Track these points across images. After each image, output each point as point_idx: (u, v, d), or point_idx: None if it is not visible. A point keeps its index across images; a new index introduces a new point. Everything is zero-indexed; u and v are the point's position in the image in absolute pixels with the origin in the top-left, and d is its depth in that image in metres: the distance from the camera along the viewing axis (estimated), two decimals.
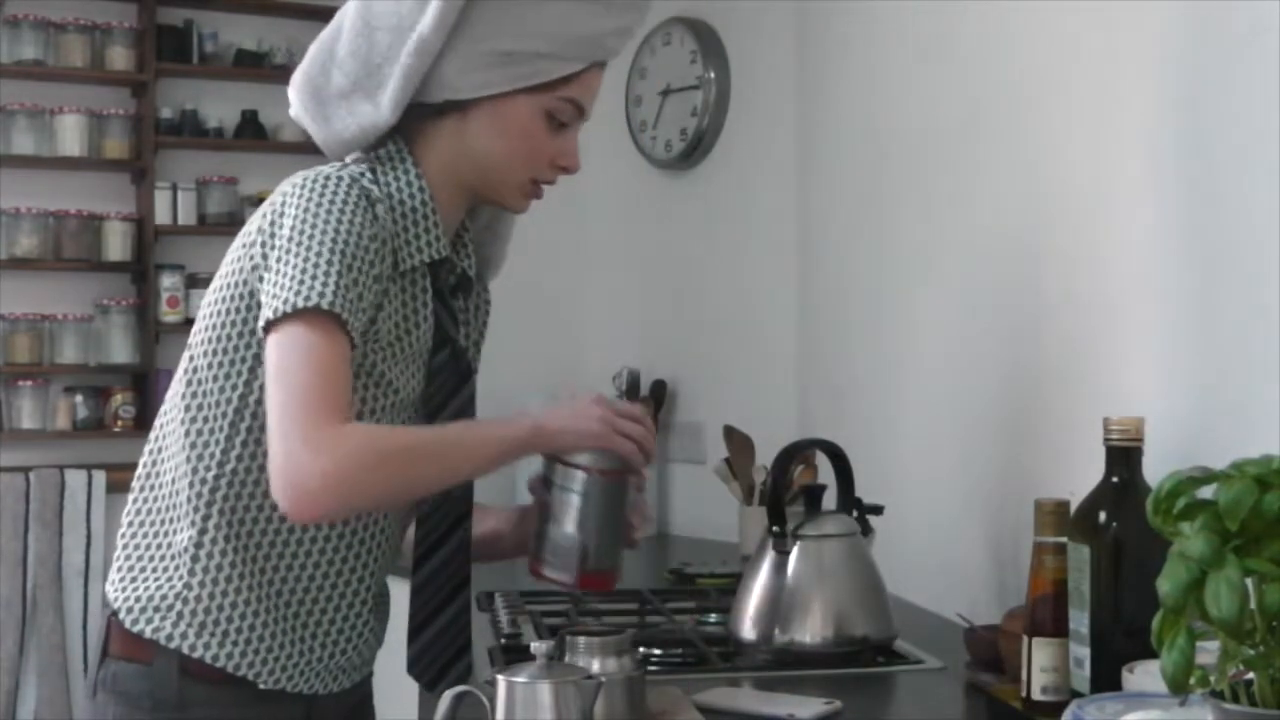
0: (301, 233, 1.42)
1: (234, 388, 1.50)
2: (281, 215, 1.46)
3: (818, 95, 3.06)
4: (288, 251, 1.42)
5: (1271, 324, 1.50)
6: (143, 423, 4.11)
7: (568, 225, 3.74)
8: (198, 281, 4.21)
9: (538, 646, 1.35)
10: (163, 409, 1.59)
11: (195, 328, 1.55)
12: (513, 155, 1.54)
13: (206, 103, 4.32)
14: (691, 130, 3.48)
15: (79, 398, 4.17)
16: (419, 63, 1.50)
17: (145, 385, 4.16)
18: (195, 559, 1.51)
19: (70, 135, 4.15)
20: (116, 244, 4.18)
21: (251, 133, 4.31)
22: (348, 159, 1.58)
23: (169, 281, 4.19)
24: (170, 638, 1.50)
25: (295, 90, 1.61)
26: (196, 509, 1.51)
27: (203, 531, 1.51)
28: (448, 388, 1.57)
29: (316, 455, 1.36)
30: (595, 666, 1.42)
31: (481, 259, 1.69)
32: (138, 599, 1.52)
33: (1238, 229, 1.60)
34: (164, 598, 1.51)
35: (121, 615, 1.53)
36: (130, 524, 1.58)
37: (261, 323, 1.42)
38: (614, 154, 3.68)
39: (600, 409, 1.52)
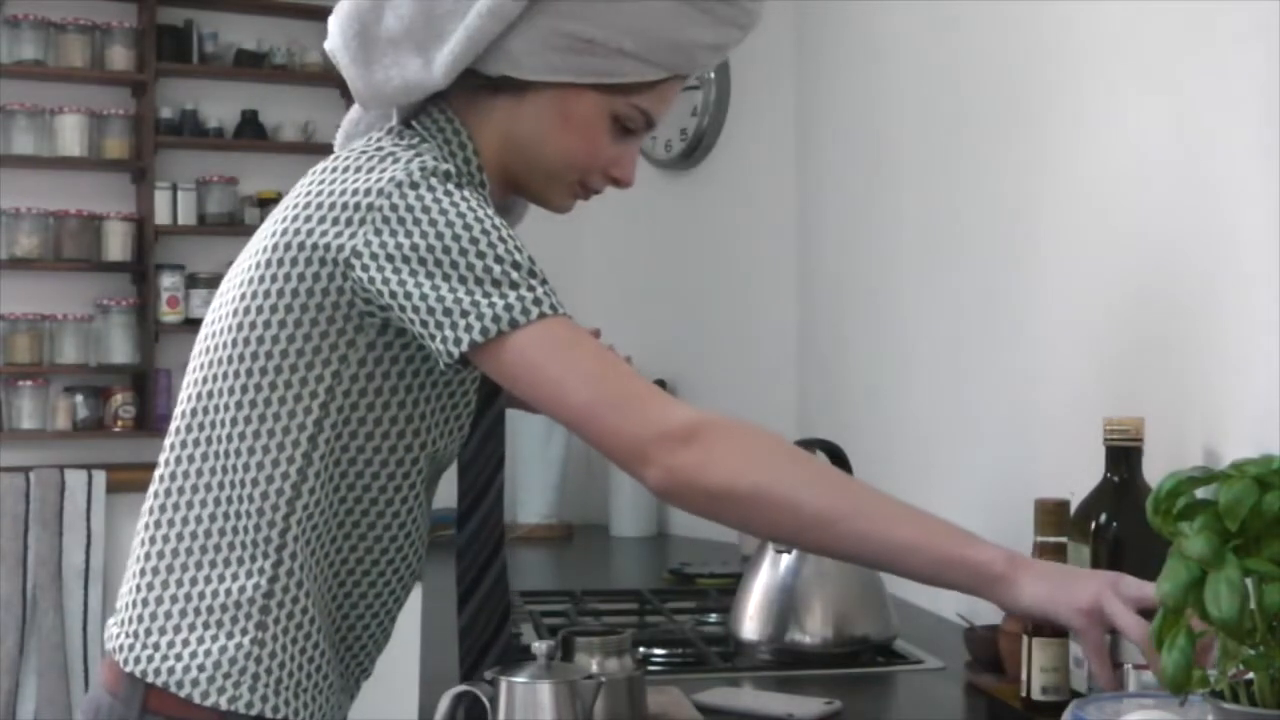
0: (450, 238, 1.23)
1: (306, 410, 1.30)
2: (407, 225, 1.24)
3: (818, 95, 3.06)
4: (447, 265, 1.22)
5: (1271, 323, 1.50)
6: (143, 423, 4.12)
7: (567, 225, 3.73)
8: (198, 281, 4.22)
9: (538, 646, 1.34)
10: (171, 438, 1.36)
11: (230, 343, 1.32)
12: (568, 152, 1.36)
13: (206, 103, 4.32)
14: (691, 130, 3.48)
15: (79, 398, 4.17)
16: (490, 25, 1.30)
17: (145, 385, 4.17)
18: (266, 610, 1.30)
19: (70, 135, 4.15)
20: (116, 244, 4.18)
21: (251, 133, 4.31)
22: (390, 130, 1.38)
23: (169, 281, 4.19)
24: (250, 704, 1.29)
25: (338, 21, 1.38)
26: (263, 552, 1.30)
27: (273, 580, 1.30)
28: (479, 399, 1.41)
29: (699, 418, 1.20)
30: (595, 666, 1.42)
31: None
32: (197, 664, 1.29)
33: (1236, 227, 1.60)
34: (232, 660, 1.29)
35: (173, 688, 1.29)
36: (151, 569, 1.34)
37: (463, 346, 1.22)
38: None
39: (1105, 592, 1.19)
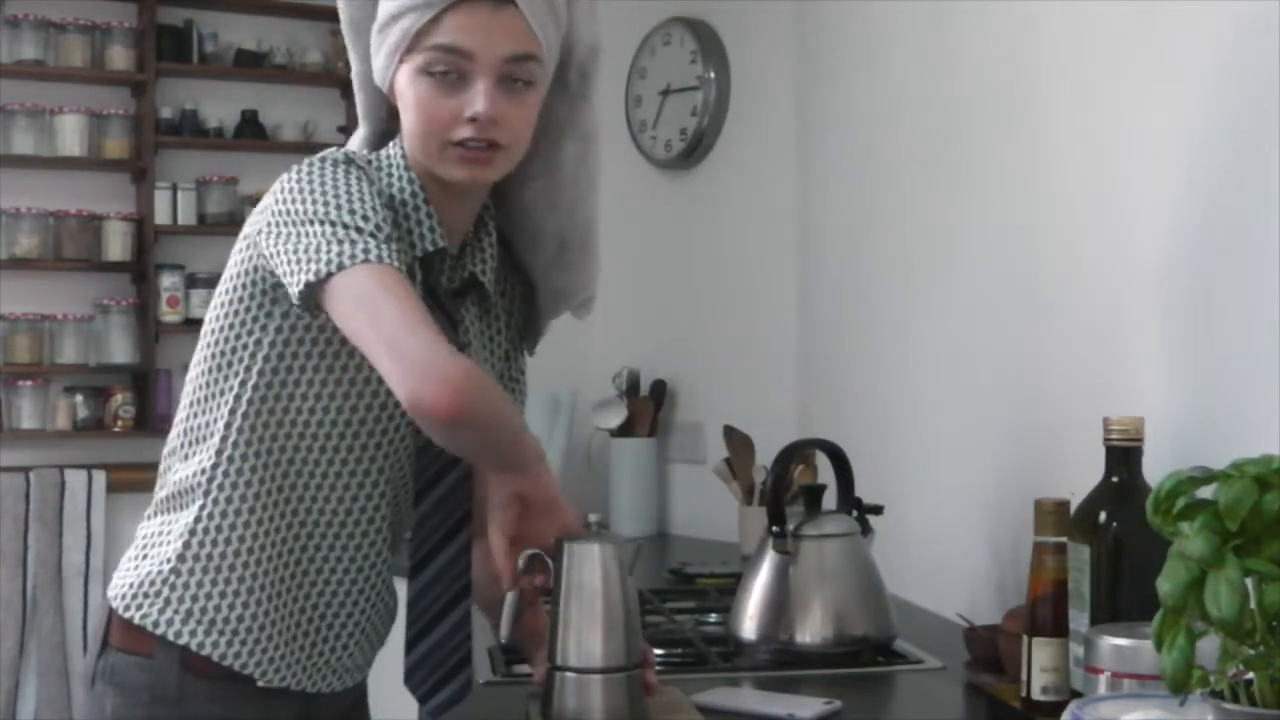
0: (312, 201, 1.42)
1: (235, 375, 1.49)
2: (286, 194, 1.44)
3: (818, 94, 3.06)
4: (304, 222, 1.40)
5: (1271, 324, 1.50)
6: (143, 423, 4.12)
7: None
8: (198, 281, 4.22)
9: (592, 517, 1.53)
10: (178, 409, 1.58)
11: (204, 330, 1.54)
12: (416, 126, 1.49)
13: (206, 103, 4.32)
14: (691, 130, 3.48)
15: (79, 398, 4.17)
16: (354, 64, 1.58)
17: (145, 385, 4.16)
18: (187, 545, 1.49)
19: (70, 135, 4.15)
20: (116, 244, 4.18)
21: (251, 133, 4.31)
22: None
23: (169, 281, 4.19)
24: (156, 624, 1.49)
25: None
26: (194, 499, 1.50)
27: (197, 519, 1.49)
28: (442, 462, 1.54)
29: (453, 356, 1.34)
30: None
31: (553, 292, 1.79)
32: (130, 584, 1.52)
33: (1237, 228, 1.60)
34: (152, 582, 1.50)
35: (114, 601, 1.53)
36: (146, 517, 1.57)
37: (300, 286, 1.38)
38: (614, 154, 3.68)
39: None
